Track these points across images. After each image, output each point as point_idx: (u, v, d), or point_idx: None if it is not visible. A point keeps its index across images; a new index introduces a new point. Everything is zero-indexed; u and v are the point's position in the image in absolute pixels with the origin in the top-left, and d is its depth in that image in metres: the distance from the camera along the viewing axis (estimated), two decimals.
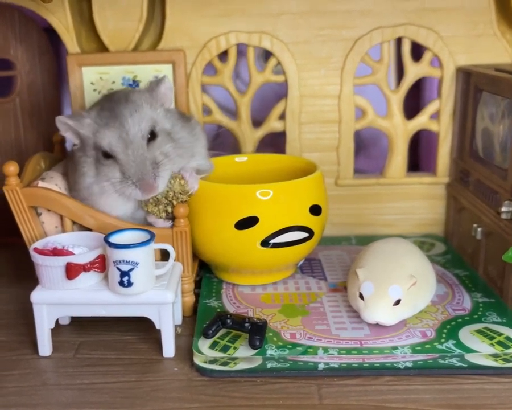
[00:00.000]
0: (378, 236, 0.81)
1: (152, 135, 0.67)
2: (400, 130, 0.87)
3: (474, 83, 0.79)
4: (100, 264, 0.62)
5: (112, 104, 0.68)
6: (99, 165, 0.67)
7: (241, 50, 0.89)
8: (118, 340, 0.67)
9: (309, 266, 0.80)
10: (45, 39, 1.03)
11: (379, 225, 0.90)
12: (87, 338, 0.67)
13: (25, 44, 0.99)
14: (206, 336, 0.62)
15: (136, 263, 0.59)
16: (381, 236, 0.80)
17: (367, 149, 1.09)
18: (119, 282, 0.60)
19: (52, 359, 0.64)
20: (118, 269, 0.60)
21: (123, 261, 0.59)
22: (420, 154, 1.15)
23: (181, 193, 0.68)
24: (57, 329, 0.66)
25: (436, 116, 0.87)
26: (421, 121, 0.87)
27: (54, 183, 0.71)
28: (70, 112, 0.85)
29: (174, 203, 0.68)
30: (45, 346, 0.64)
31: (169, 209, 0.68)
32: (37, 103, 1.02)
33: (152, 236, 0.62)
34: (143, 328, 0.68)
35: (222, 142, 0.99)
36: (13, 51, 0.97)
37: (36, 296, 0.62)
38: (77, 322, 0.70)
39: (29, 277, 0.78)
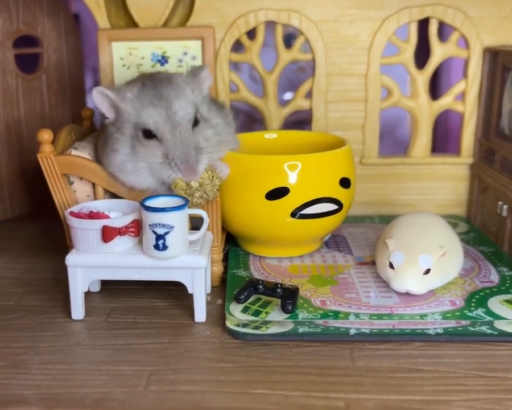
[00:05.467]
0: None
1: (195, 121, 0.66)
2: (425, 110, 0.87)
3: (502, 63, 0.79)
4: (135, 228, 0.63)
5: (155, 83, 0.67)
6: (137, 144, 0.65)
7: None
8: (149, 306, 0.68)
9: (335, 242, 0.81)
10: (72, 19, 1.05)
11: (401, 205, 0.90)
12: (118, 304, 0.68)
13: (52, 22, 1.00)
14: (238, 301, 0.63)
15: (172, 227, 0.60)
16: None
17: None
18: (154, 246, 0.61)
19: (84, 322, 0.65)
20: (154, 232, 0.60)
21: (159, 224, 0.60)
22: (437, 136, 1.15)
23: (210, 190, 0.66)
24: (88, 295, 0.67)
25: (461, 97, 0.88)
26: (447, 101, 0.88)
27: (87, 152, 0.72)
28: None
29: (205, 196, 0.66)
30: (78, 309, 0.65)
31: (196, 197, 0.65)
32: (62, 82, 1.03)
33: (187, 201, 0.63)
34: (172, 295, 0.69)
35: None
36: (40, 29, 0.98)
37: (71, 259, 0.63)
38: (106, 290, 0.71)
39: (59, 248, 0.80)
